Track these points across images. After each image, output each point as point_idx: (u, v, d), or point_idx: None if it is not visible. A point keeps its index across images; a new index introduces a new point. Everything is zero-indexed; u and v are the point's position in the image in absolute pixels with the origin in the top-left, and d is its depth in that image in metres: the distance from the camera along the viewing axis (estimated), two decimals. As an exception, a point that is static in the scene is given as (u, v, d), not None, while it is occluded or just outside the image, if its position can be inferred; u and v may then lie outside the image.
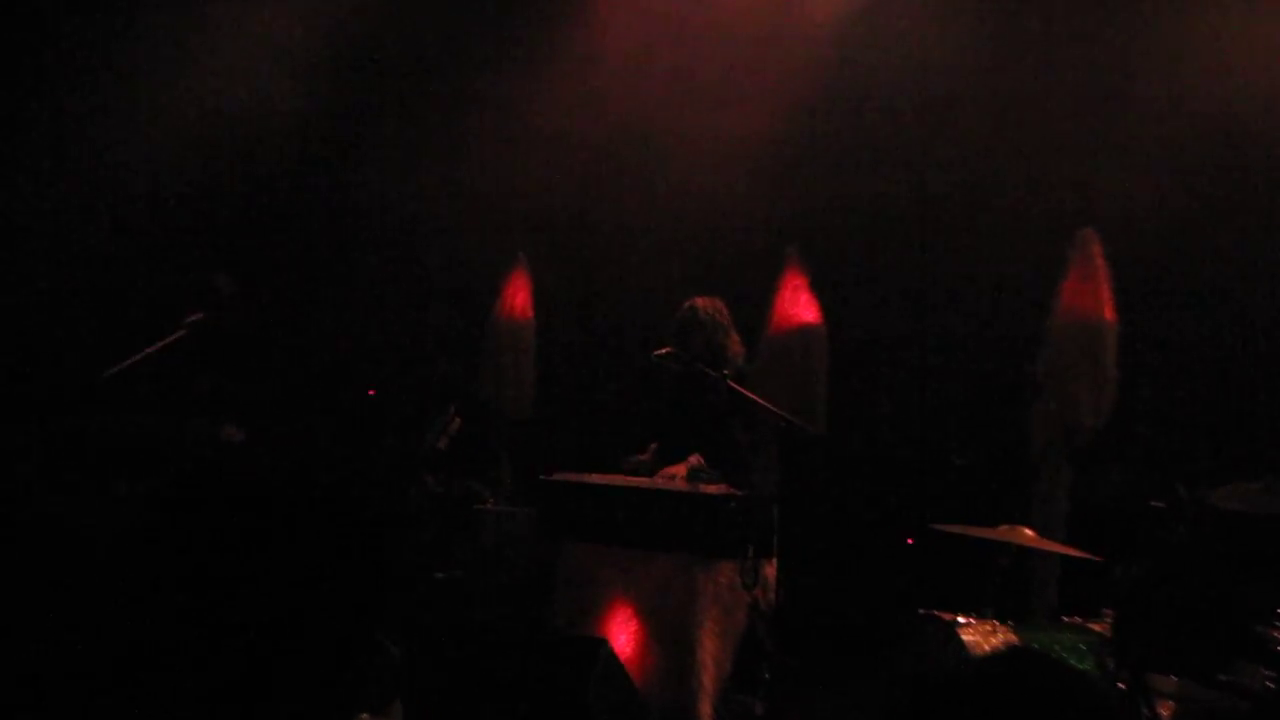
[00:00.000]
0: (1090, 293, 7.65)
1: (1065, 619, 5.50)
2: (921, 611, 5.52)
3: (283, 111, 9.36)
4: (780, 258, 8.63)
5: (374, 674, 2.03)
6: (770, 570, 6.26)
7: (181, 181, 9.18)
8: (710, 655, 6.04)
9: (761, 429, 6.91)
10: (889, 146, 8.74)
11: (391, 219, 9.98)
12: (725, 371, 6.46)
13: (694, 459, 6.52)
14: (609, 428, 8.75)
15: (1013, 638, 5.14)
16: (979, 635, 5.16)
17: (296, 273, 9.78)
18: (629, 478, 6.57)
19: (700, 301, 6.84)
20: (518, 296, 9.71)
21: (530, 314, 9.69)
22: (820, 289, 8.56)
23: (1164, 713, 4.29)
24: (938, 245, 8.54)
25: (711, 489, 6.20)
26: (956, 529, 5.38)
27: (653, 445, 6.90)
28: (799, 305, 8.55)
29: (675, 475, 6.49)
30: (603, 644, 5.67)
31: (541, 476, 6.75)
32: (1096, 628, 5.10)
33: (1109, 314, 7.61)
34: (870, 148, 8.76)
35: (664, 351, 6.60)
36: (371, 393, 9.34)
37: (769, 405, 6.36)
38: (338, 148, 9.89)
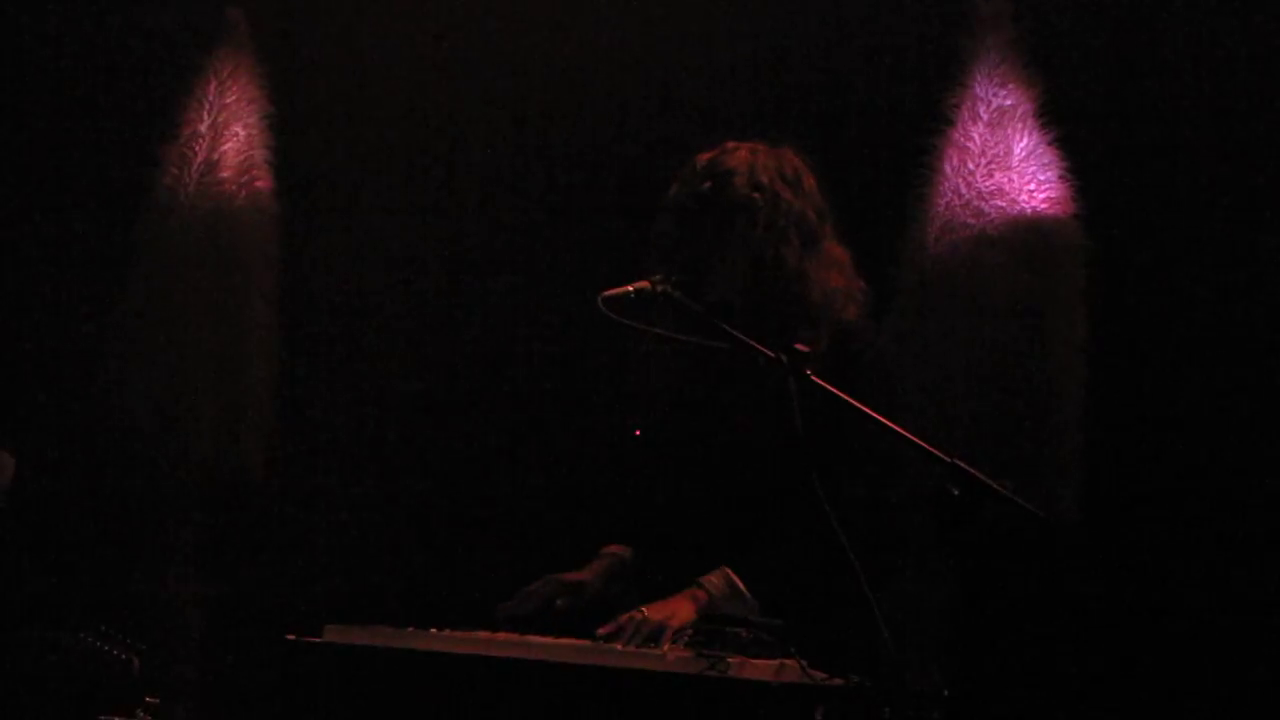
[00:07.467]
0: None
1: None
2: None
3: None
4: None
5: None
6: None
7: None
8: None
9: (900, 491, 2.96)
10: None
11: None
12: (801, 345, 2.61)
13: (715, 578, 2.81)
14: (463, 503, 4.75)
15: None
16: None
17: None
18: (516, 638, 2.66)
19: (740, 153, 2.98)
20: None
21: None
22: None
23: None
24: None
25: (762, 666, 2.42)
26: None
27: (609, 552, 3.12)
28: (1024, 169, 4.26)
29: (670, 622, 2.68)
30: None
31: (288, 635, 2.71)
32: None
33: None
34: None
35: (632, 288, 2.77)
36: None
37: (931, 448, 2.47)
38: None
